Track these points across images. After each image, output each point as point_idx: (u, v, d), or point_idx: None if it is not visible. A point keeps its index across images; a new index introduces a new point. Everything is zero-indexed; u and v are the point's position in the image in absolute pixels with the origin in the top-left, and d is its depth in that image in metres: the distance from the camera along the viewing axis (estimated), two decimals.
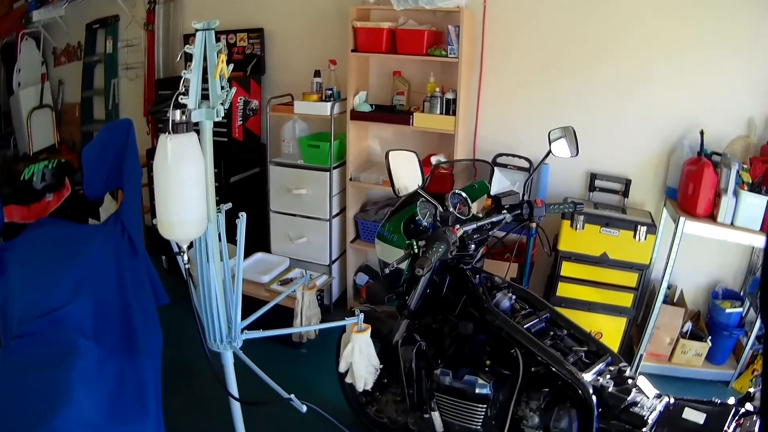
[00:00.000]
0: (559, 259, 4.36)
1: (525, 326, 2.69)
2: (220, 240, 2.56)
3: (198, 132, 2.34)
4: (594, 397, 2.40)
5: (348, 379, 2.91)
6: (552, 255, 4.40)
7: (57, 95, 7.81)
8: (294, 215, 5.26)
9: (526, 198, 3.03)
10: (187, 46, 2.20)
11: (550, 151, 3.07)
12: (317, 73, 5.01)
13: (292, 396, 2.65)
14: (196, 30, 2.22)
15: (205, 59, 2.29)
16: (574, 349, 2.64)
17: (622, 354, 4.34)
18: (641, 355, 4.36)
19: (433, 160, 4.66)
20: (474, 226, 2.73)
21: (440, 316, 3.01)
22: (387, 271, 2.71)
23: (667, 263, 4.13)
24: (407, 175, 3.03)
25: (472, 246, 2.81)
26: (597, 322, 4.34)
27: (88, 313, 2.84)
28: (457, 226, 2.63)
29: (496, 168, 4.51)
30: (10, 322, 2.85)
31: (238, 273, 2.74)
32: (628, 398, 2.40)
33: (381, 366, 2.99)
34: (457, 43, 4.36)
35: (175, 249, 2.42)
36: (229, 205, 2.73)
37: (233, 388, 2.82)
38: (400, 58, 4.79)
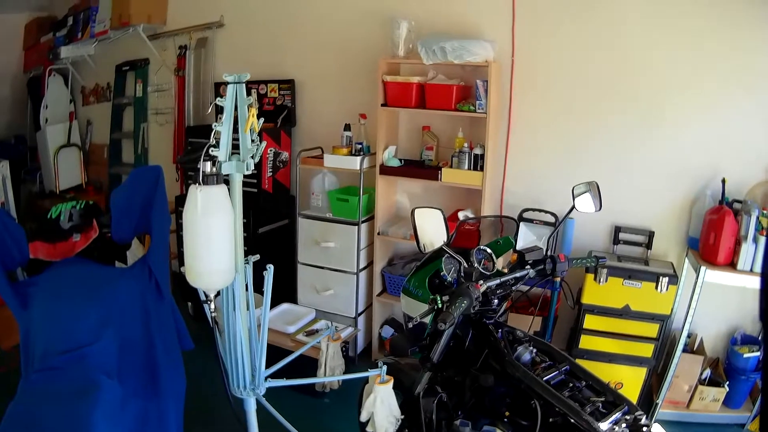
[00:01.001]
0: (582, 312, 4.38)
1: (544, 378, 2.70)
2: (247, 290, 2.69)
3: (227, 183, 2.48)
4: None
5: (369, 429, 2.97)
6: (575, 308, 4.43)
7: (85, 135, 7.92)
8: (322, 267, 5.28)
9: (549, 253, 3.03)
10: (218, 98, 2.31)
11: (573, 207, 3.14)
12: (347, 127, 5.06)
13: None
14: (227, 83, 2.32)
15: (236, 110, 2.40)
16: (592, 400, 2.64)
17: (642, 402, 4.40)
18: (657, 404, 4.37)
19: (461, 215, 4.69)
20: (497, 281, 2.78)
21: (462, 369, 3.02)
22: (411, 324, 2.80)
23: (687, 312, 4.15)
24: (433, 231, 3.15)
25: (496, 301, 2.87)
26: (618, 373, 4.35)
27: (113, 353, 2.88)
28: (481, 281, 2.66)
29: (522, 223, 4.58)
30: (32, 357, 2.88)
31: (264, 322, 2.89)
32: None
33: (402, 417, 3.07)
34: (485, 97, 4.41)
35: (203, 297, 2.53)
36: (257, 256, 2.86)
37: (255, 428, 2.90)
38: (429, 112, 4.81)
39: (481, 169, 4.56)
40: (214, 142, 2.30)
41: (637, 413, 2.58)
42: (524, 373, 2.70)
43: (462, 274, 2.86)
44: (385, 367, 2.93)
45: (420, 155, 5.07)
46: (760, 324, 4.15)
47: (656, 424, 2.56)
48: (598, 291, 4.29)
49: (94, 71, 7.52)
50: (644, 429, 2.50)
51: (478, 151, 4.58)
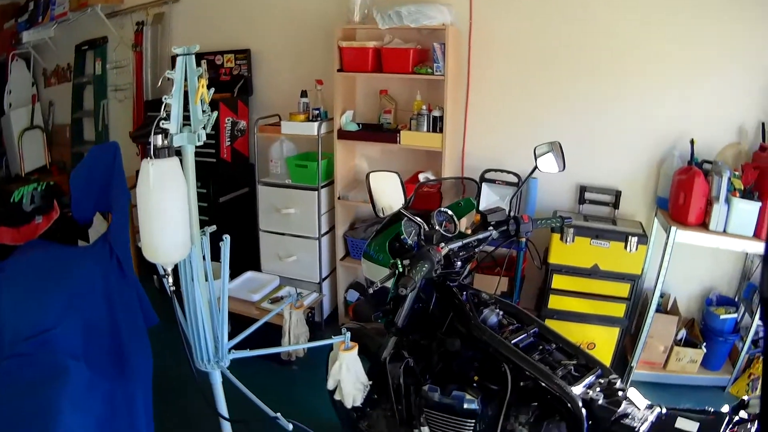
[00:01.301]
0: (549, 272, 4.39)
1: (513, 341, 2.66)
2: (205, 260, 2.65)
3: (181, 156, 2.40)
4: (584, 410, 2.37)
5: (337, 396, 2.93)
6: (543, 268, 4.44)
7: (48, 116, 7.88)
8: (283, 234, 5.30)
9: (512, 214, 2.99)
10: (167, 71, 2.28)
11: (536, 167, 3.08)
12: (304, 93, 5.07)
13: (278, 414, 2.73)
14: (176, 55, 2.29)
15: (187, 83, 2.34)
16: (563, 363, 2.59)
17: (616, 364, 4.42)
18: (633, 366, 4.41)
19: (421, 177, 4.72)
20: (459, 243, 2.72)
21: (428, 333, 2.99)
22: (372, 289, 2.66)
23: (659, 273, 4.16)
24: (390, 195, 3.06)
25: (459, 263, 2.82)
26: (590, 333, 4.37)
27: (78, 335, 2.85)
28: (442, 244, 2.60)
29: (484, 184, 4.60)
30: (1, 344, 2.86)
31: (224, 292, 2.81)
32: (619, 410, 2.36)
33: (370, 383, 3.03)
34: (443, 60, 4.41)
35: (161, 271, 2.49)
36: (214, 227, 2.78)
37: (222, 407, 2.86)
38: (386, 76, 4.83)
39: (441, 131, 4.57)
40: (165, 114, 2.25)
41: (611, 376, 2.55)
42: (491, 336, 2.67)
43: (422, 237, 2.82)
44: (348, 334, 2.87)
45: (378, 119, 5.09)
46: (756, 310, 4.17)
47: (632, 388, 2.51)
48: (565, 251, 4.31)
49: (55, 53, 7.47)
50: (619, 393, 2.45)
51: (436, 113, 4.59)
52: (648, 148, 4.53)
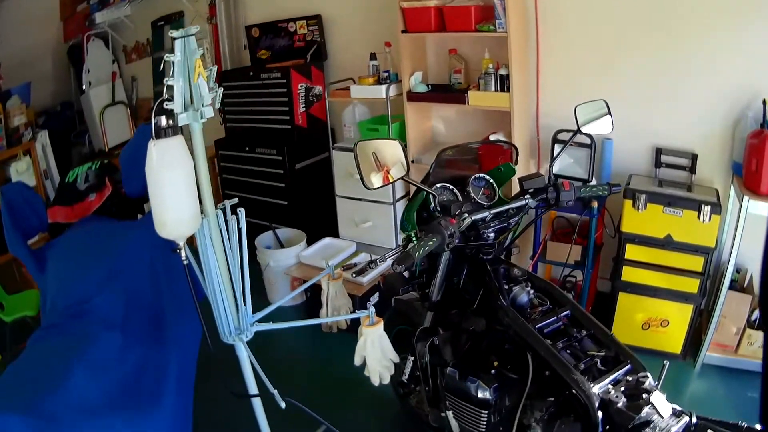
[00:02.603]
0: (623, 241, 4.12)
1: (538, 325, 2.47)
2: (229, 234, 2.57)
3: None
4: (600, 413, 2.15)
5: (366, 373, 2.75)
6: (616, 236, 4.19)
7: (131, 91, 8.05)
8: (359, 199, 5.30)
9: (552, 180, 2.72)
10: (166, 54, 2.23)
11: (578, 129, 2.83)
12: (373, 56, 5.03)
13: (275, 391, 2.66)
14: (173, 38, 2.23)
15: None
16: (590, 354, 2.38)
17: (689, 344, 4.15)
18: (703, 348, 4.09)
19: (492, 138, 4.58)
20: (486, 214, 2.53)
21: (462, 309, 2.83)
22: (374, 264, 2.60)
23: (732, 246, 3.79)
24: (392, 164, 2.64)
25: (491, 235, 2.61)
26: (663, 309, 4.10)
27: (119, 304, 2.88)
28: (465, 215, 2.43)
29: (557, 145, 4.43)
30: (44, 316, 2.99)
31: (244, 265, 2.67)
32: (639, 417, 2.09)
33: (412, 358, 2.97)
34: (504, 16, 4.23)
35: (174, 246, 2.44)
36: (236, 199, 2.69)
37: (250, 381, 2.83)
38: (455, 35, 4.70)
39: (508, 90, 4.42)
40: (167, 96, 2.20)
41: (641, 374, 2.28)
42: (513, 318, 2.49)
43: (438, 207, 2.59)
44: (372, 309, 2.65)
45: (449, 79, 4.95)
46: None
47: (657, 392, 2.19)
48: (637, 218, 4.01)
49: (133, 30, 7.62)
50: (644, 396, 2.16)
51: (503, 71, 4.42)
52: (722, 109, 4.17)
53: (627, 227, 4.06)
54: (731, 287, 3.92)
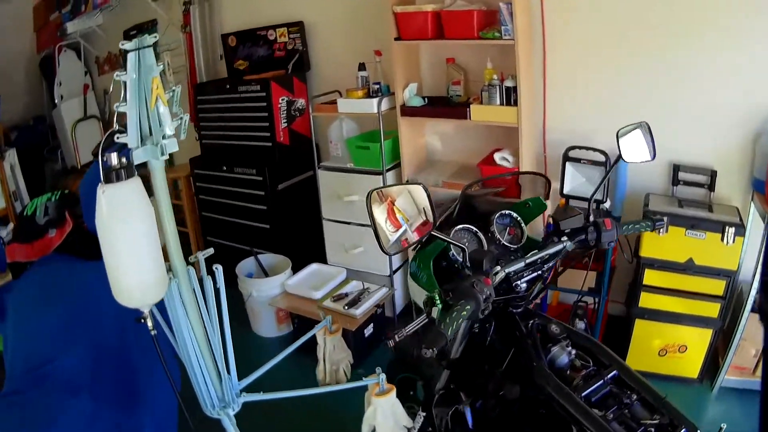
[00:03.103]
0: (641, 266, 3.87)
1: (585, 393, 2.12)
2: (203, 293, 2.25)
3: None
4: None
5: None
6: (633, 261, 3.95)
7: (104, 105, 7.88)
8: (348, 223, 4.93)
9: (591, 218, 2.41)
10: (116, 72, 1.83)
11: (620, 157, 2.53)
12: (362, 67, 4.63)
13: None
14: (126, 51, 1.84)
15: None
16: (643, 422, 2.02)
17: (706, 368, 3.99)
18: (721, 371, 3.95)
19: (497, 157, 4.23)
20: (521, 264, 2.18)
21: (486, 369, 2.45)
22: (391, 342, 2.11)
23: (756, 268, 3.61)
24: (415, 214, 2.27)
25: (523, 286, 2.24)
26: (682, 335, 3.90)
27: (86, 363, 2.58)
28: (497, 268, 2.08)
29: (568, 163, 4.07)
30: (7, 377, 2.64)
31: (225, 324, 2.37)
32: None
33: (424, 414, 2.64)
34: (511, 22, 3.84)
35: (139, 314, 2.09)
36: (211, 250, 2.38)
37: None
38: (452, 43, 4.31)
39: (515, 103, 4.03)
40: (116, 127, 1.86)
41: None
42: (556, 388, 2.13)
43: (467, 262, 2.20)
44: (383, 376, 2.44)
45: (446, 91, 4.57)
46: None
47: None
48: (658, 242, 3.78)
49: (105, 41, 7.38)
50: None
51: (509, 83, 4.03)
52: (742, 122, 3.91)
53: (646, 252, 3.85)
54: (752, 309, 3.75)
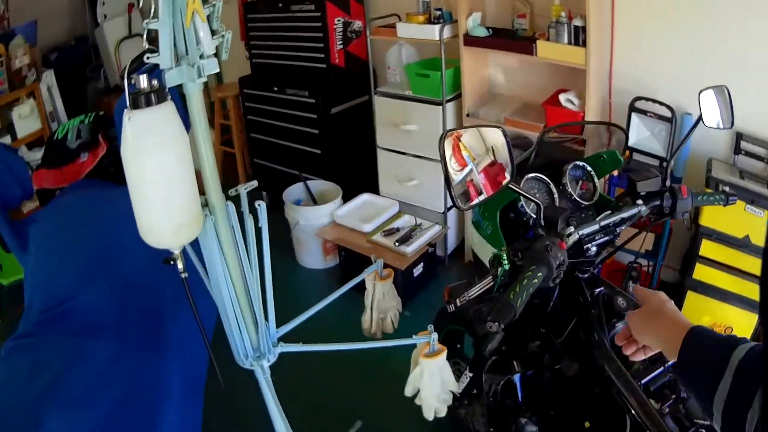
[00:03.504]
0: (699, 236, 3.88)
1: (644, 380, 2.12)
2: (243, 233, 2.15)
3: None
4: None
5: (417, 402, 2.53)
6: (692, 228, 4.03)
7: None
8: (404, 153, 5.13)
9: (667, 184, 2.33)
10: None
11: (700, 119, 2.48)
12: None
13: None
14: None
15: None
16: (696, 422, 2.06)
17: None
18: None
19: (562, 98, 4.34)
20: (595, 227, 2.13)
21: (544, 337, 2.45)
22: (451, 307, 2.22)
23: None
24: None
25: (593, 249, 2.20)
26: (729, 316, 3.91)
27: (112, 301, 2.54)
28: (571, 229, 2.02)
29: (633, 114, 4.17)
30: (24, 315, 2.63)
31: (266, 275, 2.28)
32: None
33: (471, 375, 2.75)
34: None
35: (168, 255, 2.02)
36: (254, 183, 2.19)
37: (275, 416, 2.50)
38: None
39: (584, 44, 4.12)
40: (146, 46, 1.68)
41: None
42: (618, 372, 2.10)
43: (542, 220, 2.08)
44: (435, 336, 2.36)
45: (511, 24, 4.66)
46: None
47: None
48: (719, 213, 3.75)
49: None
50: None
51: (578, 22, 4.12)
52: None
53: (706, 221, 3.87)
54: None
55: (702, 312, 3.95)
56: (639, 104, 4.17)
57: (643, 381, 2.11)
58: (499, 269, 1.91)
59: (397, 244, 4.69)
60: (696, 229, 3.93)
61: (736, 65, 3.97)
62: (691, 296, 3.99)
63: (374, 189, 5.44)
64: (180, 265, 1.96)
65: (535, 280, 1.74)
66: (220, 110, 6.83)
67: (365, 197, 5.36)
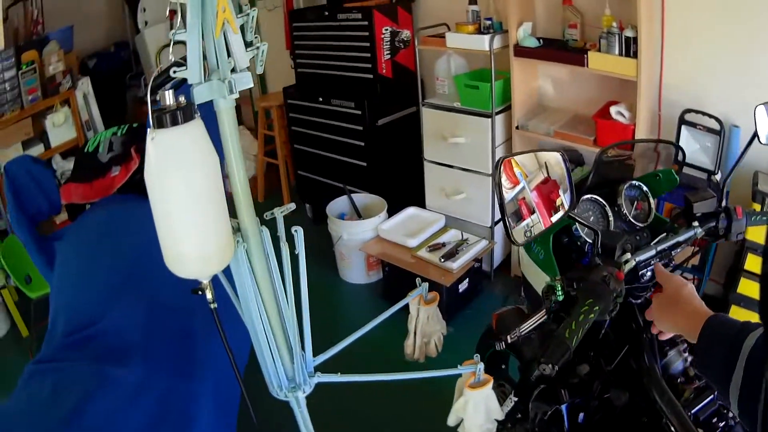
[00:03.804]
0: (745, 249, 3.99)
1: (694, 410, 2.10)
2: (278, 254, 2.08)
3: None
4: None
5: (460, 431, 2.56)
6: (737, 242, 4.11)
7: None
8: (451, 166, 5.29)
9: (723, 204, 2.32)
10: None
11: (756, 135, 2.46)
12: (473, 0, 4.95)
13: None
14: None
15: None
16: None
17: None
18: None
19: (612, 111, 4.47)
20: (652, 252, 2.11)
21: (595, 364, 2.42)
22: (501, 345, 2.09)
23: None
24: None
25: (648, 274, 2.15)
26: None
27: (138, 321, 2.59)
28: (627, 256, 2.00)
29: (684, 127, 4.28)
30: (47, 336, 2.68)
31: (302, 303, 2.22)
32: None
33: (516, 399, 2.66)
34: None
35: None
36: (291, 206, 2.13)
37: None
38: None
39: (635, 55, 4.25)
40: (171, 59, 1.66)
41: None
42: (669, 404, 2.07)
43: (599, 247, 2.03)
44: (481, 366, 2.38)
45: (562, 34, 4.83)
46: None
47: None
48: (764, 227, 3.77)
49: None
50: None
51: (629, 33, 4.28)
52: None
53: (752, 235, 3.82)
54: None
55: None
56: (688, 117, 4.28)
57: (693, 411, 2.11)
58: (557, 290, 1.88)
59: (442, 260, 4.80)
60: (741, 242, 4.02)
61: None
62: (735, 310, 4.09)
63: (420, 203, 5.57)
64: (209, 296, 1.89)
65: (592, 315, 1.69)
66: (264, 120, 6.96)
67: (411, 211, 5.50)
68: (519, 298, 3.91)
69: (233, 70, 1.72)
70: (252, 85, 1.80)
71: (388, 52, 5.48)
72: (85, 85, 7.02)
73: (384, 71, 5.50)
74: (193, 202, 1.68)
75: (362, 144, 5.68)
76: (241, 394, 2.69)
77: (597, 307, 1.70)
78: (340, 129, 5.80)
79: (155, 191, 1.65)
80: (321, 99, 5.82)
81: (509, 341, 1.95)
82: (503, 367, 3.27)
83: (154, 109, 1.57)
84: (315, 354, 2.34)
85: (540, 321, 1.92)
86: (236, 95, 1.75)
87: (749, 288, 4.03)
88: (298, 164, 6.53)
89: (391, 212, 5.48)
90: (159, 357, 2.56)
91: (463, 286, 4.92)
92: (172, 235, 1.73)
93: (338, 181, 5.87)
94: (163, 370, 2.54)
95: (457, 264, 4.75)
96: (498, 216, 4.82)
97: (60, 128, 6.30)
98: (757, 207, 3.84)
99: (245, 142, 7.38)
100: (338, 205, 5.69)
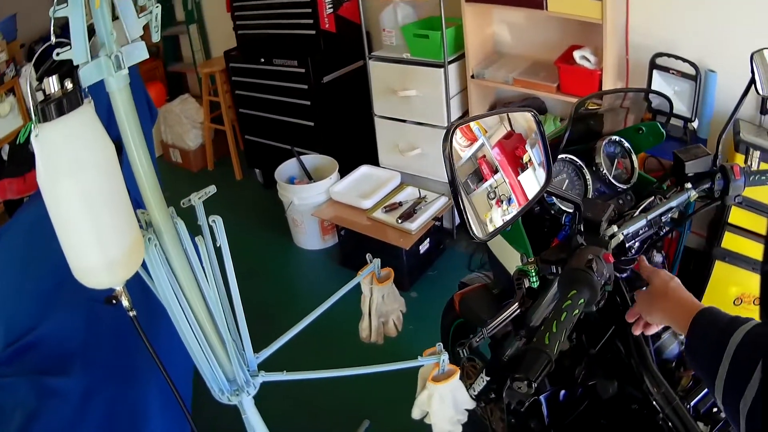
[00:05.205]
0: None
1: (694, 402, 1.83)
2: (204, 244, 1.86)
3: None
4: None
5: (427, 421, 2.28)
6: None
7: None
8: (403, 121, 4.90)
9: (719, 162, 1.96)
10: None
11: (752, 83, 2.16)
12: None
13: None
14: None
15: None
16: None
17: None
18: None
19: (576, 55, 4.06)
20: (642, 223, 1.81)
21: (576, 347, 2.08)
22: (477, 340, 1.89)
23: None
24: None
25: (635, 246, 1.87)
26: (757, 286, 3.78)
27: (75, 326, 2.41)
28: (614, 229, 1.71)
29: (655, 72, 3.94)
30: None
31: (234, 293, 2.00)
32: None
33: (488, 379, 2.31)
34: None
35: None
36: (212, 188, 1.88)
37: None
38: None
39: None
40: (54, 39, 1.37)
41: None
42: (664, 396, 1.79)
43: (581, 227, 1.69)
44: (445, 357, 2.13)
45: None
46: None
47: None
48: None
49: None
50: None
51: None
52: None
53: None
54: None
55: (730, 282, 3.86)
56: (660, 61, 3.94)
57: (692, 404, 1.84)
58: (532, 277, 1.64)
59: (400, 221, 4.48)
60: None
61: (764, 18, 3.68)
62: (719, 266, 3.87)
63: (374, 161, 5.24)
64: (125, 303, 1.67)
65: (576, 311, 1.38)
66: (209, 86, 6.69)
67: (364, 170, 5.18)
68: (484, 255, 3.64)
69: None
70: (147, 56, 1.59)
71: (330, 5, 5.08)
72: (30, 71, 6.51)
73: (327, 26, 5.12)
74: (89, 207, 1.46)
75: (308, 103, 5.34)
76: (192, 390, 2.66)
77: (582, 300, 1.41)
78: (284, 89, 5.44)
79: (48, 198, 1.43)
80: (263, 60, 5.45)
81: (474, 345, 1.83)
82: (471, 336, 2.87)
83: (37, 103, 1.32)
84: (260, 347, 2.19)
85: (511, 316, 1.72)
86: (125, 71, 1.50)
87: (733, 242, 3.78)
88: (245, 129, 6.20)
89: (344, 172, 5.15)
90: (101, 363, 2.43)
91: (424, 246, 4.58)
92: (72, 245, 1.52)
93: (286, 143, 5.55)
94: (107, 377, 2.42)
95: (416, 224, 4.42)
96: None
97: (6, 118, 5.90)
98: (740, 158, 3.54)
99: (191, 111, 6.95)
100: (288, 168, 5.36)
